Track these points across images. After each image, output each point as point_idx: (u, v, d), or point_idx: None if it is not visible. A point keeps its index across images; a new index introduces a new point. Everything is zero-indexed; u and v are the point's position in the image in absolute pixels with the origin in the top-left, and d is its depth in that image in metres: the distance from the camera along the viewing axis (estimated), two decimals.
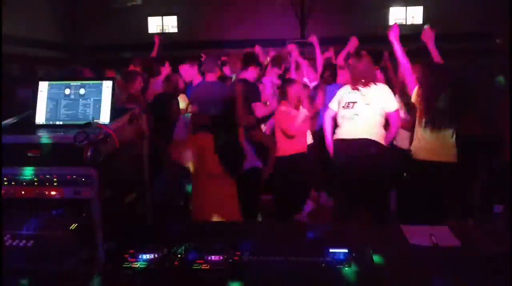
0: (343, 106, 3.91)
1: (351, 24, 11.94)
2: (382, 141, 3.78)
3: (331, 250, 1.86)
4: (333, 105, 4.09)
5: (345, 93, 3.95)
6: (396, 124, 3.89)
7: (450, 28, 11.49)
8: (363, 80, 3.84)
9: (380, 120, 3.82)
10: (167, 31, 13.81)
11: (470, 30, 11.12)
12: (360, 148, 3.73)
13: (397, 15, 13.09)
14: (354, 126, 3.79)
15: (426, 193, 3.79)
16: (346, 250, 1.86)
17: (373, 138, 3.74)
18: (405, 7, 12.96)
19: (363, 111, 3.78)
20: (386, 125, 4.01)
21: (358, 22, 11.88)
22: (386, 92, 3.87)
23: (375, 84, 3.88)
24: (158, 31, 13.79)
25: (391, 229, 2.30)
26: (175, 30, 13.81)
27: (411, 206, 4.25)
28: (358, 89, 3.84)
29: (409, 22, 12.99)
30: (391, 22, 13.01)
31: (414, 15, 12.95)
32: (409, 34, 12.64)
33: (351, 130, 3.80)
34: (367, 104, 3.78)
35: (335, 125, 4.10)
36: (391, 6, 12.92)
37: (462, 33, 11.29)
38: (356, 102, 3.82)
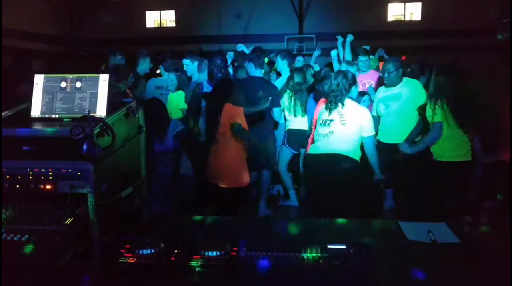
0: (320, 123, 3.90)
1: (349, 20, 11.93)
2: (354, 156, 3.76)
3: (329, 246, 1.85)
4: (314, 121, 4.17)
5: (323, 111, 3.93)
6: (369, 150, 3.87)
7: (449, 24, 11.50)
8: (334, 100, 3.81)
9: (355, 140, 3.80)
10: (165, 25, 13.75)
11: (469, 26, 11.10)
12: (329, 162, 3.72)
13: (396, 11, 13.07)
14: (328, 143, 3.78)
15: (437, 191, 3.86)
16: (344, 246, 1.86)
17: (344, 153, 3.71)
18: (403, 3, 12.93)
19: (339, 129, 3.75)
20: None
21: (357, 18, 11.87)
22: (365, 116, 3.84)
23: (354, 105, 3.87)
24: (156, 26, 13.71)
25: (389, 225, 2.30)
26: (173, 25, 13.74)
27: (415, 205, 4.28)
28: (335, 109, 3.81)
29: (407, 18, 12.97)
30: (390, 18, 13.00)
31: (413, 11, 12.93)
32: (408, 30, 12.69)
33: (325, 146, 3.79)
34: (343, 124, 3.75)
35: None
36: (389, 2, 12.89)
37: (461, 29, 11.28)
38: (333, 120, 3.79)
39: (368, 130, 3.83)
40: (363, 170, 3.84)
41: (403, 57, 6.54)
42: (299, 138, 5.15)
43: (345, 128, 3.75)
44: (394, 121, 4.63)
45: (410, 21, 12.85)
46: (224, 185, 3.89)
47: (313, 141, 4.02)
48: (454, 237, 2.07)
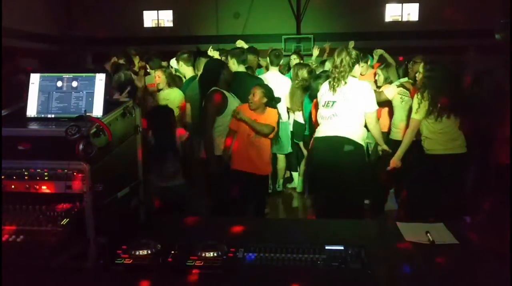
0: (322, 105, 3.85)
1: (347, 21, 11.94)
2: (359, 140, 3.73)
3: (327, 247, 1.84)
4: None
5: (325, 91, 3.87)
6: (372, 125, 3.84)
7: (446, 25, 11.52)
8: (337, 76, 3.75)
9: (359, 120, 3.76)
10: (162, 25, 13.74)
11: (466, 27, 11.12)
12: (334, 144, 3.71)
13: (393, 12, 13.08)
14: (331, 126, 3.75)
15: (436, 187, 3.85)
16: (342, 247, 1.84)
17: (348, 136, 3.69)
18: (401, 4, 12.94)
19: (342, 110, 3.71)
20: None
21: (354, 19, 11.89)
22: (367, 91, 3.77)
23: (356, 81, 3.81)
24: (153, 25, 13.69)
25: (387, 225, 2.29)
26: (171, 24, 13.72)
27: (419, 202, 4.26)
28: (337, 88, 3.75)
29: (405, 19, 12.99)
30: (387, 19, 13.01)
31: (410, 12, 12.95)
32: (405, 31, 12.70)
33: (329, 129, 3.76)
34: (346, 103, 3.71)
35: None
36: (387, 3, 12.91)
37: (458, 30, 11.30)
38: (335, 101, 3.75)
39: (369, 105, 3.75)
40: (362, 156, 3.83)
41: (401, 58, 6.48)
42: (302, 130, 5.52)
43: (347, 106, 3.69)
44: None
45: (408, 22, 12.87)
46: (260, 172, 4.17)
47: (317, 126, 3.99)
48: (452, 237, 2.06)
